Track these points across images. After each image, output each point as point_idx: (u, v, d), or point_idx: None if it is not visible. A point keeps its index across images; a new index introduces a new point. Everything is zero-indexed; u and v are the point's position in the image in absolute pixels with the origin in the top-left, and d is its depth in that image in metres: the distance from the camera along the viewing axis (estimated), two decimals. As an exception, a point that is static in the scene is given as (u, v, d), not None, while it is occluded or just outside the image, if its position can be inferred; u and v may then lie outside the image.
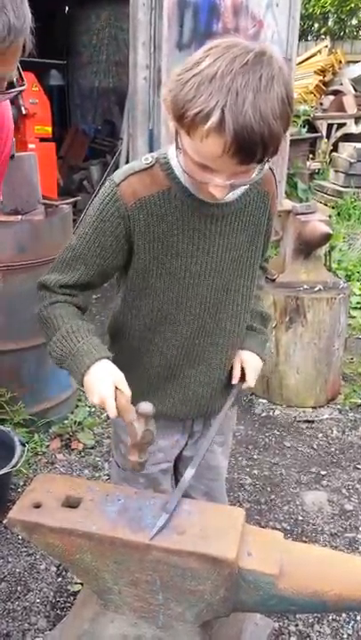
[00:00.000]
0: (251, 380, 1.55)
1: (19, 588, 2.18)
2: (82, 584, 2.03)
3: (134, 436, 1.22)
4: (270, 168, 1.42)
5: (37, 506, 1.25)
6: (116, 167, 5.26)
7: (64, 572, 2.24)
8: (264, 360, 1.60)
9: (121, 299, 1.47)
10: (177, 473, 1.68)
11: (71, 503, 1.27)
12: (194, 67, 1.09)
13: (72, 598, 2.12)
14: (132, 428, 1.22)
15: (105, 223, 1.31)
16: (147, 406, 1.21)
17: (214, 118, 1.04)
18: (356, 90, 10.88)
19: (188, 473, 1.35)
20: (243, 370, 1.55)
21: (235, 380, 1.54)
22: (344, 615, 2.10)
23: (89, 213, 1.35)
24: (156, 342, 1.44)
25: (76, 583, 2.17)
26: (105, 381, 1.25)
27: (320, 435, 3.24)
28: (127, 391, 1.26)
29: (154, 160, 1.31)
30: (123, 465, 1.63)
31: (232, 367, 1.55)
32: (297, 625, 2.06)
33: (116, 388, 1.25)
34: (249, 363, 1.55)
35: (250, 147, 1.07)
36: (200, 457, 1.41)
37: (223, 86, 1.04)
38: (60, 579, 2.22)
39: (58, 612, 2.08)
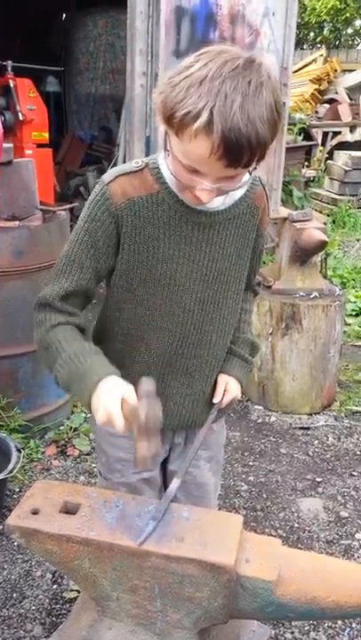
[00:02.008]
0: (224, 404, 1.55)
1: (14, 594, 2.17)
2: (78, 591, 2.02)
3: (138, 421, 1.12)
4: (262, 184, 1.43)
5: (35, 512, 1.25)
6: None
7: (60, 579, 2.23)
8: (243, 388, 1.62)
9: (104, 302, 1.46)
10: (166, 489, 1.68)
11: (69, 509, 1.27)
12: (184, 70, 1.10)
13: (68, 605, 2.11)
14: (136, 415, 1.12)
15: (96, 223, 1.31)
16: (147, 384, 1.13)
17: (202, 119, 1.05)
18: (351, 98, 10.96)
19: (175, 483, 1.35)
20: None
21: (216, 400, 1.54)
22: (340, 622, 2.10)
23: (80, 217, 1.35)
24: (138, 349, 1.43)
25: (71, 590, 2.17)
26: (111, 394, 1.19)
27: (316, 441, 3.24)
28: (135, 402, 1.19)
29: (143, 164, 1.31)
30: (104, 475, 1.63)
31: (215, 382, 1.55)
32: (293, 632, 2.06)
33: (123, 400, 1.18)
34: (231, 391, 1.56)
35: (237, 149, 1.07)
36: (185, 468, 1.40)
37: (213, 88, 1.05)
38: (55, 586, 2.21)
39: (53, 619, 2.07)
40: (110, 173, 1.32)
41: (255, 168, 1.19)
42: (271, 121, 1.09)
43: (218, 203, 1.31)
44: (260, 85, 1.07)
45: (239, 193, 1.35)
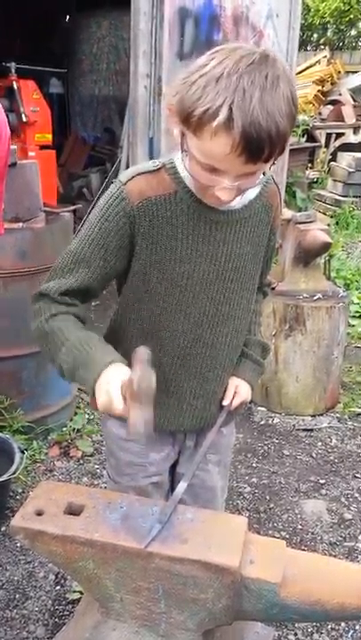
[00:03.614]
0: (233, 407, 1.55)
1: (17, 596, 2.17)
2: (81, 592, 2.02)
3: (130, 387, 1.13)
4: (275, 182, 1.42)
5: (40, 513, 1.25)
6: (116, 175, 5.28)
7: (63, 581, 2.23)
8: (254, 391, 1.62)
9: (119, 302, 1.45)
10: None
11: (73, 510, 1.27)
12: (199, 69, 1.09)
13: (71, 606, 2.11)
14: (128, 380, 1.14)
15: (110, 223, 1.29)
16: (142, 352, 1.14)
17: (222, 116, 1.04)
18: (354, 100, 10.98)
19: (181, 486, 1.34)
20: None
21: (225, 402, 1.54)
22: (343, 624, 2.10)
23: (92, 215, 1.33)
24: (153, 350, 1.40)
25: (74, 591, 2.16)
26: (113, 379, 1.20)
27: (319, 443, 3.24)
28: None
29: (161, 164, 1.30)
30: (113, 478, 1.62)
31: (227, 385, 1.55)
32: (296, 634, 2.05)
33: (124, 383, 1.18)
34: (241, 393, 1.56)
35: (257, 144, 1.06)
36: (192, 471, 1.40)
37: (230, 85, 1.04)
38: (58, 587, 2.21)
39: (56, 620, 2.07)
40: (127, 173, 1.31)
41: (274, 163, 1.18)
42: (289, 113, 1.09)
43: (234, 201, 1.29)
44: (276, 79, 1.06)
45: (254, 191, 1.35)
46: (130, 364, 1.41)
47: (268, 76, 1.05)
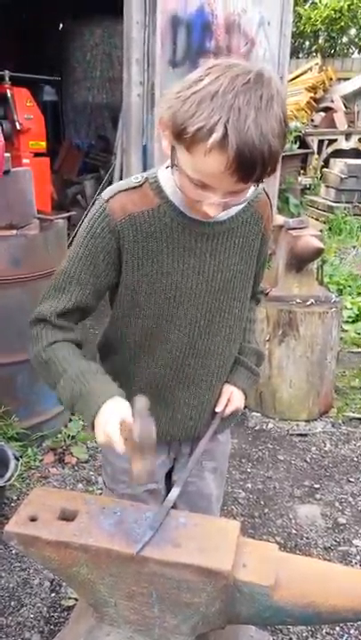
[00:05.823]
0: (225, 414, 1.56)
1: (12, 603, 2.16)
2: (76, 599, 2.02)
3: (132, 440, 1.15)
4: (266, 192, 1.43)
5: (34, 519, 1.25)
6: (110, 182, 5.30)
7: (58, 587, 2.23)
8: (247, 399, 1.61)
9: (111, 315, 1.46)
10: None
11: (67, 516, 1.27)
12: (193, 85, 1.09)
13: (66, 613, 2.11)
14: (130, 434, 1.15)
15: (96, 239, 1.30)
16: (140, 402, 1.16)
17: (217, 134, 1.03)
18: (346, 106, 11.04)
19: (174, 491, 1.34)
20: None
21: (218, 409, 1.54)
22: (338, 629, 2.10)
23: (79, 234, 1.34)
24: (146, 361, 1.43)
25: (69, 598, 2.16)
26: (111, 417, 1.21)
27: (313, 448, 3.25)
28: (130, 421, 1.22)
29: (143, 179, 1.31)
30: (109, 485, 1.62)
31: (220, 393, 1.55)
32: (291, 639, 2.06)
33: (123, 422, 1.20)
34: (234, 401, 1.56)
35: (250, 164, 1.07)
36: (185, 476, 1.40)
37: (225, 103, 1.04)
38: (53, 594, 2.21)
39: (52, 626, 2.07)
40: (109, 190, 1.32)
41: (263, 181, 1.19)
42: (281, 134, 1.10)
43: (221, 213, 1.31)
44: (270, 99, 1.07)
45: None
46: (125, 377, 1.42)
47: (262, 96, 1.06)
